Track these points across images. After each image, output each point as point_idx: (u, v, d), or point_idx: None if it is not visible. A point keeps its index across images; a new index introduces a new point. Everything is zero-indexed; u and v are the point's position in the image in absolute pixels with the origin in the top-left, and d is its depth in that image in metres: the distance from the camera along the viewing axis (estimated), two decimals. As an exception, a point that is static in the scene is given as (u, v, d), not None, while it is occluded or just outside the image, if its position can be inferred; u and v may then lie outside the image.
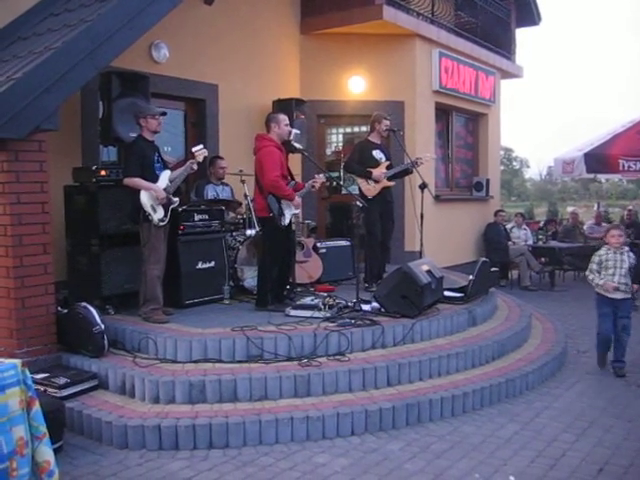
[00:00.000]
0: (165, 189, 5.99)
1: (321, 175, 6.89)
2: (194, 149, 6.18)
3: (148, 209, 5.87)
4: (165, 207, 5.99)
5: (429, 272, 6.35)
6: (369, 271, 7.54)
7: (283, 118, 6.46)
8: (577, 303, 10.28)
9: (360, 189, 7.47)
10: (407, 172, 7.69)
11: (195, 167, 6.18)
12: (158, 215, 5.93)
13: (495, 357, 6.13)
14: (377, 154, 7.55)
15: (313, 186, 6.79)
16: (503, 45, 13.02)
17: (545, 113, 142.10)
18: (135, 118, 6.14)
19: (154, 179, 5.99)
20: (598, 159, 11.60)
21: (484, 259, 7.50)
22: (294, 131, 6.66)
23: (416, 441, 4.67)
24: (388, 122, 7.59)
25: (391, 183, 7.52)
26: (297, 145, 6.63)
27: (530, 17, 14.49)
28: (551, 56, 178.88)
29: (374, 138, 7.66)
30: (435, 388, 5.28)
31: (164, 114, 6.24)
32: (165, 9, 6.26)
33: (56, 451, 3.93)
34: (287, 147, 6.57)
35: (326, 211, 10.47)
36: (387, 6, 9.34)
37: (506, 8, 13.23)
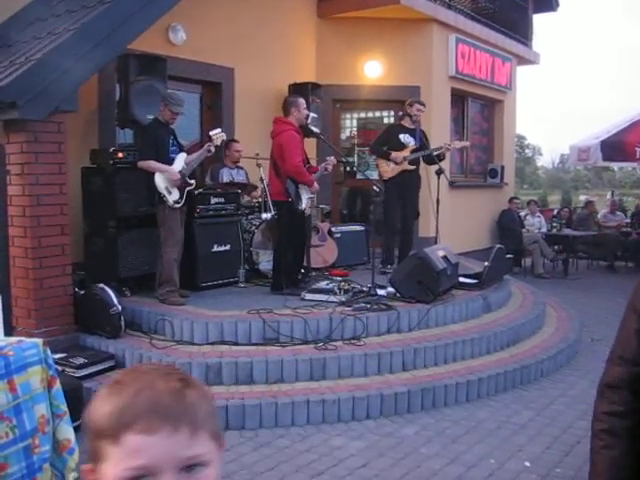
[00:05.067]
0: (181, 171, 6.00)
1: (332, 157, 6.88)
2: (212, 132, 6.18)
3: (163, 191, 5.89)
4: (181, 189, 6.01)
5: (445, 258, 6.34)
6: (385, 254, 7.57)
7: (302, 102, 6.45)
8: (591, 291, 10.26)
9: (379, 171, 7.48)
10: (431, 159, 7.57)
11: (213, 150, 6.19)
12: (173, 197, 5.95)
13: (510, 344, 6.14)
14: (404, 138, 7.55)
15: (326, 169, 6.79)
16: (520, 31, 12.90)
17: (560, 100, 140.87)
18: (161, 98, 6.14)
19: (169, 162, 6.00)
20: (615, 146, 11.52)
21: (499, 246, 7.48)
22: (312, 115, 6.66)
23: (431, 425, 4.69)
24: (422, 107, 7.58)
25: (411, 167, 7.50)
26: (315, 129, 6.62)
27: (548, 3, 14.33)
28: (568, 43, 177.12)
29: (406, 122, 7.67)
30: (450, 373, 5.30)
31: (181, 114, 6.23)
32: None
33: (75, 430, 3.96)
34: (304, 131, 6.57)
35: (340, 196, 10.46)
36: (404, -10, 9.26)
37: (523, -7, 13.11)
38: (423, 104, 7.68)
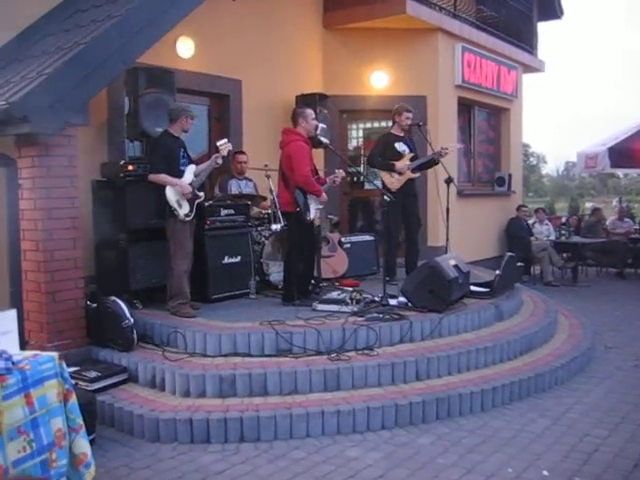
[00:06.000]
0: (190, 184, 6.01)
1: (340, 170, 6.88)
2: (219, 143, 6.20)
3: (174, 204, 5.89)
4: (191, 202, 6.01)
5: (456, 267, 6.32)
6: (389, 264, 7.53)
7: (310, 113, 6.46)
8: (601, 299, 10.21)
9: (383, 183, 7.46)
10: (433, 163, 7.61)
11: (220, 161, 6.19)
12: (184, 210, 5.95)
13: (523, 352, 6.10)
14: (400, 146, 7.54)
15: (334, 181, 6.79)
16: (525, 39, 12.93)
17: (563, 108, 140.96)
18: (174, 111, 6.10)
19: (179, 175, 6.01)
20: (622, 153, 11.50)
21: (510, 254, 7.45)
22: (321, 125, 6.68)
23: (447, 435, 4.66)
24: (409, 114, 7.55)
25: (415, 175, 7.50)
26: (324, 139, 6.63)
27: (552, 11, 14.35)
28: (573, 49, 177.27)
29: (396, 130, 7.65)
30: (464, 382, 5.27)
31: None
32: (192, 4, 6.31)
33: (89, 443, 3.95)
34: (313, 142, 6.57)
35: (348, 206, 10.46)
36: (410, 0, 9.28)
37: (528, 2, 13.12)
38: (410, 110, 7.63)
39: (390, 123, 7.87)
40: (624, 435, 4.65)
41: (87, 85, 5.37)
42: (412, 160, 7.47)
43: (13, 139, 5.45)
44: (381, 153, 7.50)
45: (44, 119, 5.09)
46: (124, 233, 6.26)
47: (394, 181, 7.40)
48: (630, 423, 4.88)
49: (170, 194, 5.89)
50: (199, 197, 6.12)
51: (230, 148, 6.24)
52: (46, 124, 5.14)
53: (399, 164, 7.39)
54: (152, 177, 5.96)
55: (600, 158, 11.78)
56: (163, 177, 5.91)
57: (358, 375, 5.09)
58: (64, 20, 6.62)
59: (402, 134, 7.65)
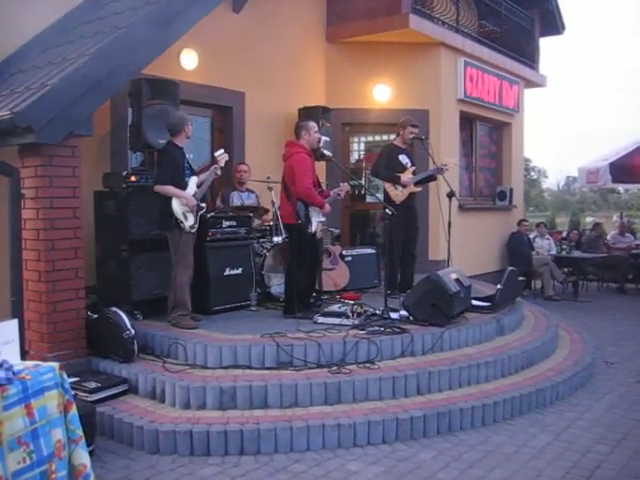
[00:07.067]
0: (193, 195, 6.02)
1: (345, 184, 6.90)
2: (216, 154, 6.24)
3: (180, 216, 5.89)
4: (194, 213, 6.02)
5: (458, 281, 6.32)
6: (391, 278, 7.50)
7: (313, 125, 6.48)
8: (602, 314, 10.20)
9: (387, 195, 7.46)
10: (432, 178, 7.66)
11: (219, 172, 6.21)
12: (189, 222, 5.96)
13: (524, 367, 6.08)
14: (403, 159, 7.57)
15: (339, 194, 6.79)
16: (527, 54, 12.99)
17: (563, 123, 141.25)
18: (176, 125, 6.06)
19: (184, 185, 6.01)
20: (624, 168, 11.52)
21: (512, 268, 7.44)
22: (324, 138, 6.69)
23: (448, 450, 4.63)
24: (414, 130, 7.56)
25: (418, 189, 7.51)
26: (326, 152, 6.64)
27: (554, 26, 14.42)
28: (575, 64, 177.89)
29: (399, 142, 7.67)
30: (465, 397, 5.24)
31: None
32: (196, 17, 6.35)
33: (89, 455, 3.94)
34: (316, 154, 6.58)
35: (349, 219, 10.46)
36: (413, 15, 9.34)
37: (530, 17, 13.20)
38: (416, 125, 7.65)
39: (392, 136, 7.88)
40: (627, 452, 4.62)
41: (91, 96, 5.38)
42: (414, 174, 7.49)
43: (17, 149, 5.46)
44: (385, 164, 7.51)
45: (48, 129, 5.10)
46: (125, 244, 6.26)
47: (399, 194, 7.40)
48: (632, 440, 4.85)
49: (176, 206, 5.90)
50: (202, 209, 6.13)
51: (227, 158, 6.25)
52: (50, 134, 5.15)
53: (404, 177, 7.40)
54: (158, 188, 5.95)
55: (601, 173, 11.80)
56: (169, 188, 5.91)
57: (359, 388, 5.07)
58: (69, 31, 6.66)
59: (404, 146, 7.67)
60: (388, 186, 7.47)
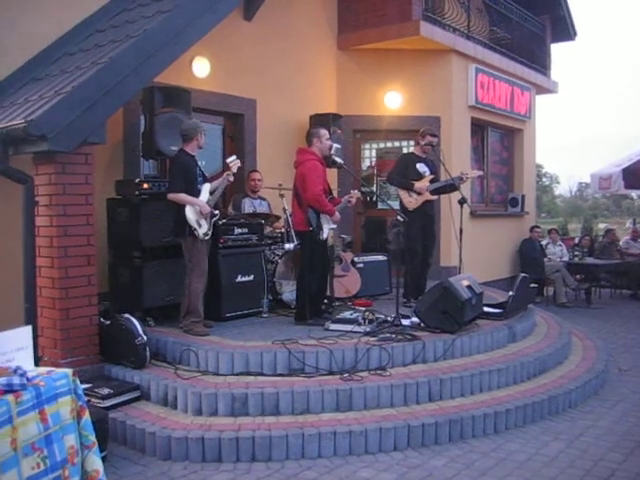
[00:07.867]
0: (207, 202, 6.04)
1: (356, 191, 6.91)
2: (228, 160, 6.28)
3: (193, 224, 5.92)
4: (208, 220, 6.04)
5: (469, 287, 6.30)
6: (409, 286, 7.50)
7: (324, 133, 6.50)
8: (615, 320, 10.14)
9: (401, 202, 7.47)
10: (453, 188, 7.55)
11: (231, 179, 6.24)
12: (203, 229, 5.98)
13: (536, 374, 6.06)
14: (421, 167, 7.55)
15: (349, 201, 6.81)
16: (538, 60, 12.98)
17: (576, 129, 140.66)
18: (189, 131, 6.08)
19: (196, 193, 6.04)
20: (636, 174, 11.48)
21: (524, 275, 7.42)
22: (335, 145, 6.70)
23: (460, 457, 4.62)
24: (433, 139, 7.54)
25: (433, 197, 7.50)
26: (338, 159, 6.66)
27: (565, 32, 14.39)
28: (587, 70, 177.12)
29: (418, 151, 7.67)
30: (477, 404, 5.23)
31: None
32: (208, 25, 6.38)
33: (102, 460, 3.95)
34: (327, 161, 6.60)
35: (361, 226, 10.47)
36: (424, 22, 9.36)
37: (541, 23, 13.20)
38: (435, 135, 7.66)
39: (404, 143, 7.88)
40: (640, 460, 4.60)
41: (104, 104, 5.42)
42: (432, 182, 7.48)
43: (31, 157, 5.51)
44: (402, 172, 7.52)
45: (62, 137, 5.14)
46: (138, 251, 6.29)
47: (412, 200, 7.40)
48: (646, 447, 4.83)
49: (190, 214, 5.92)
50: (215, 215, 6.15)
51: (239, 165, 6.28)
52: (63, 142, 5.19)
53: (418, 184, 7.39)
54: (171, 196, 5.98)
55: (614, 179, 11.76)
56: (183, 197, 5.94)
57: (370, 395, 5.07)
58: (83, 40, 6.71)
59: (424, 155, 7.67)
60: (402, 193, 7.47)
